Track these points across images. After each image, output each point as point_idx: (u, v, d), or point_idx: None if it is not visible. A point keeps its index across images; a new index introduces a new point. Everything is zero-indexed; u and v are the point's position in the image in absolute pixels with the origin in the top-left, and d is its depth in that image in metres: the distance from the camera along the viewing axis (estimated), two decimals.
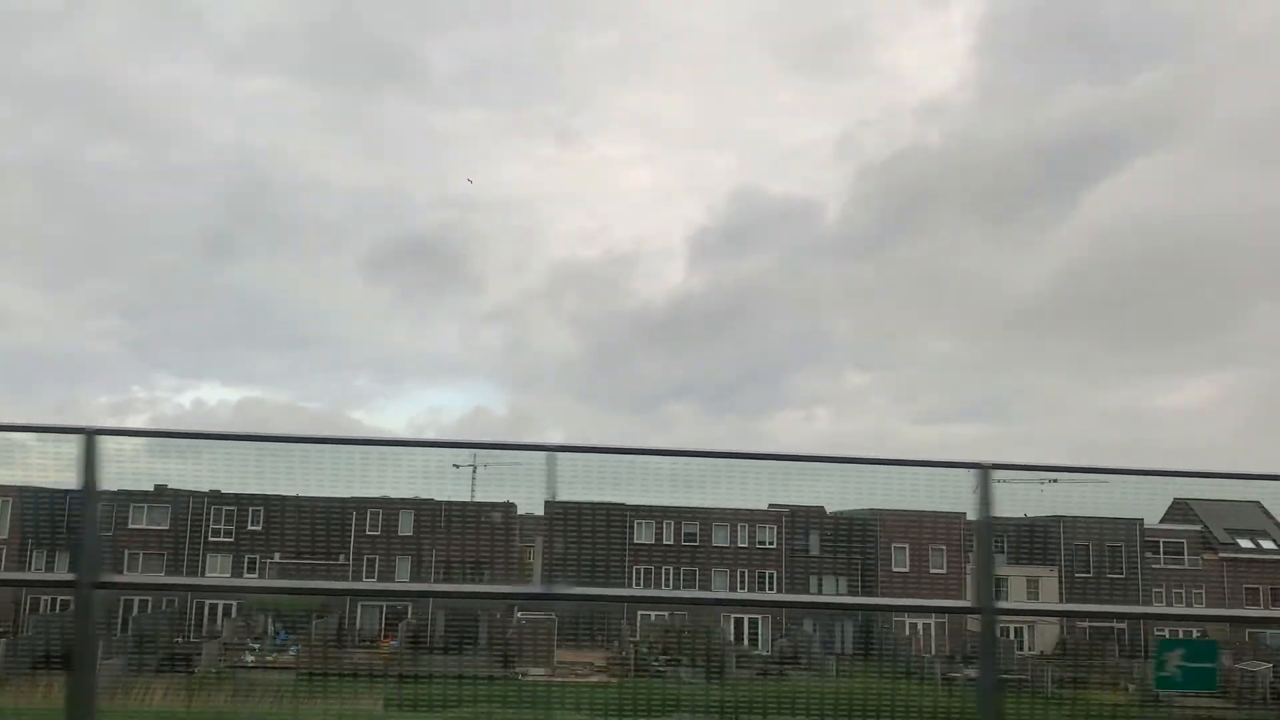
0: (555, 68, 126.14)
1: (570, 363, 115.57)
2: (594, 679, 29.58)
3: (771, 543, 53.66)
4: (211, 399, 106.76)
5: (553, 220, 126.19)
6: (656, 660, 32.75)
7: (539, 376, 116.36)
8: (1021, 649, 43.61)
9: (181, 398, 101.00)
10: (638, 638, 36.79)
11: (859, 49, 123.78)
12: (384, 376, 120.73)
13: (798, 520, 53.00)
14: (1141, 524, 52.77)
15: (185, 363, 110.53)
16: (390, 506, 46.77)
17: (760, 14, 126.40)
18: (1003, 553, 43.73)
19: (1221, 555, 54.59)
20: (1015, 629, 44.52)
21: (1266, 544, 55.11)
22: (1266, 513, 53.44)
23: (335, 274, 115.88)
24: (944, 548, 50.51)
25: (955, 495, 5.93)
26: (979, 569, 5.51)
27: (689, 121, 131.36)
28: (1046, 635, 45.55)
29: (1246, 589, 52.97)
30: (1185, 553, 54.35)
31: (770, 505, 50.64)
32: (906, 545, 51.33)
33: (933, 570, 49.75)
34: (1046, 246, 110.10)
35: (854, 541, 50.65)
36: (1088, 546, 52.49)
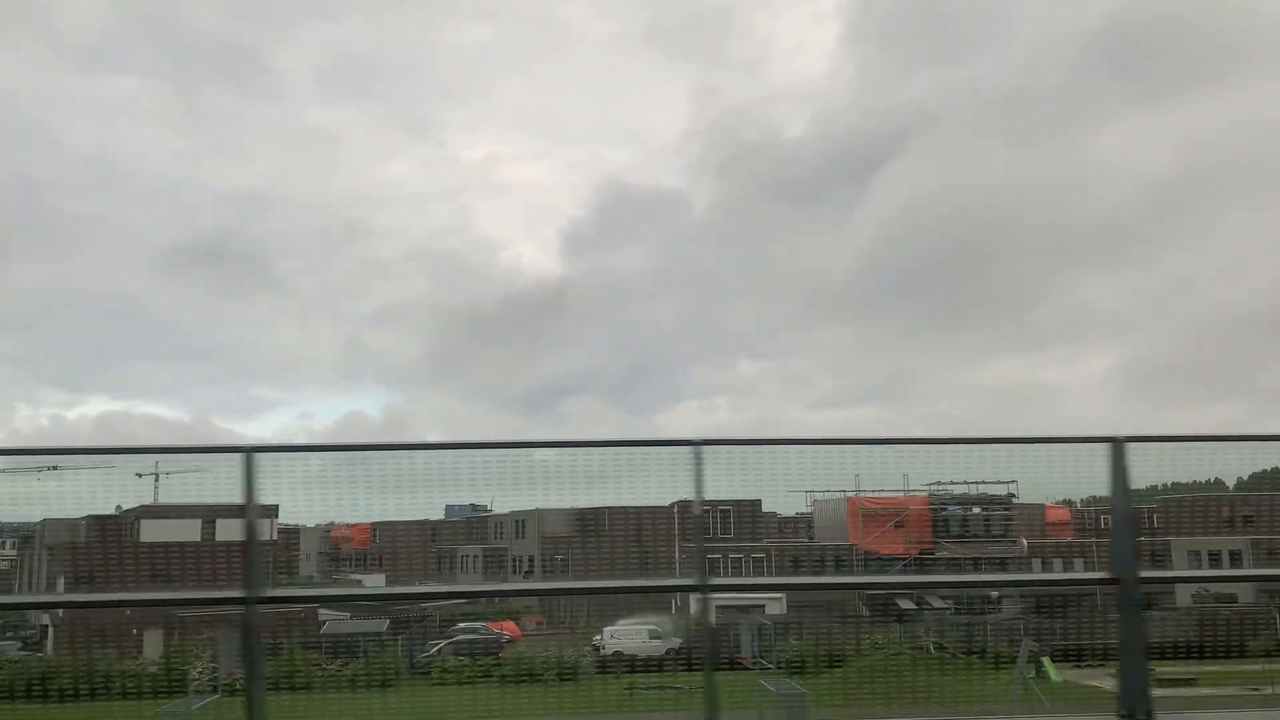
0: (424, 63, 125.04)
1: (455, 362, 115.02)
2: None
3: None
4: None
5: (425, 218, 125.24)
6: None
7: (424, 377, 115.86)
8: None
9: (70, 412, 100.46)
10: None
11: (732, 36, 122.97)
12: (280, 384, 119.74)
13: None
14: None
15: (74, 377, 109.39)
16: None
17: (633, 3, 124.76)
18: None
19: None
20: None
21: None
22: None
23: (209, 280, 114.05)
24: None
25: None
26: (1118, 538, 5.41)
27: (564, 116, 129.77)
28: None
29: None
30: None
31: None
32: None
33: None
34: (882, 227, 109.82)
35: None
36: None
